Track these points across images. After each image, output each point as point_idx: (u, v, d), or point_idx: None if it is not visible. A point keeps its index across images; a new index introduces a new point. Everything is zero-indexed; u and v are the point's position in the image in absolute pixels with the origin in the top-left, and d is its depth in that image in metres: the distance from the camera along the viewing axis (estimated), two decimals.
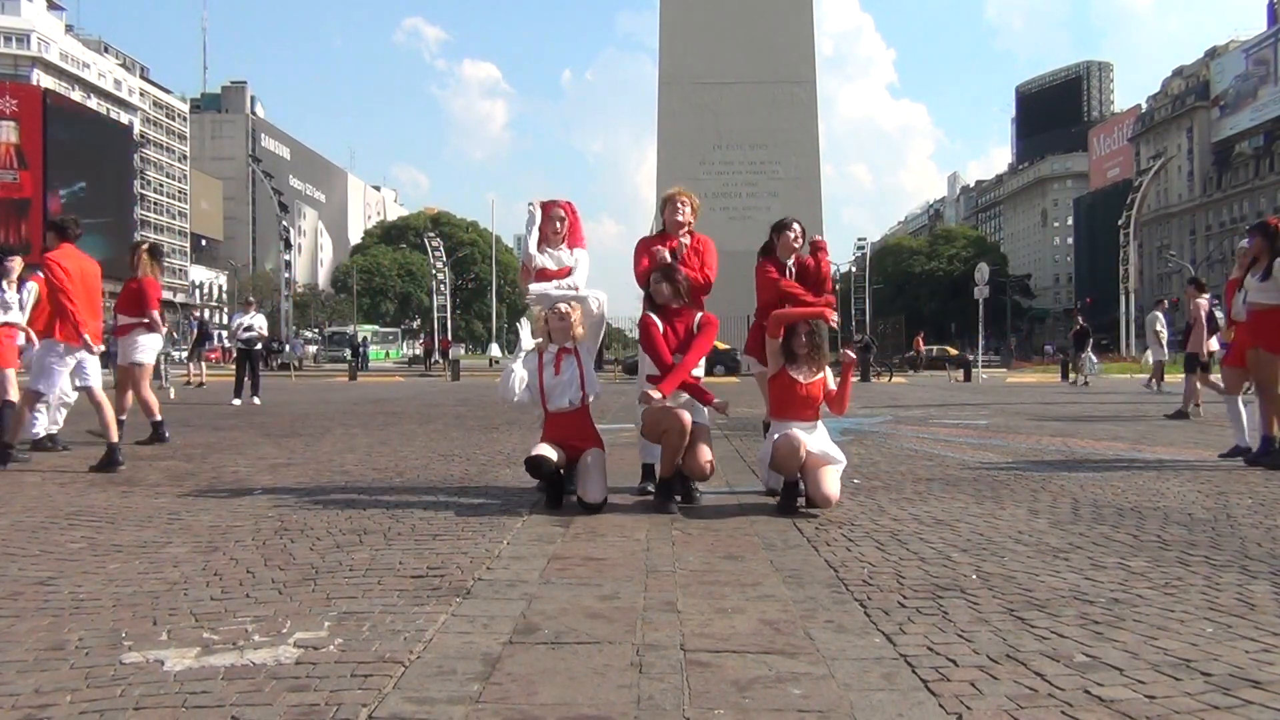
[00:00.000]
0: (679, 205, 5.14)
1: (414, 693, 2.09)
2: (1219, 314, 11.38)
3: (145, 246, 8.28)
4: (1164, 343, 17.50)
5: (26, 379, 7.03)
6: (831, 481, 4.43)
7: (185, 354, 22.21)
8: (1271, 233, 6.52)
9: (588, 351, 4.82)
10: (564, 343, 4.73)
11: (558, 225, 5.14)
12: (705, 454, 4.58)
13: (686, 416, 4.50)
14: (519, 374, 4.70)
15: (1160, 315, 17.28)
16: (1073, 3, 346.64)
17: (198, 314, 25.79)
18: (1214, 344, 11.32)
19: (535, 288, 5.00)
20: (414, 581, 3.11)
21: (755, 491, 5.12)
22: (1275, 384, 6.45)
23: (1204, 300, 11.75)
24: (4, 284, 7.09)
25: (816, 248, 5.41)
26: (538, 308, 4.88)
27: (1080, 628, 2.59)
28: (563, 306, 4.71)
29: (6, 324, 7.04)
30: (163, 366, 21.62)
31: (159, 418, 8.02)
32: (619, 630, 2.57)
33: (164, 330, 8.82)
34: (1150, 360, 18.31)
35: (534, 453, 4.48)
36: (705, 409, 4.76)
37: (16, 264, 7.27)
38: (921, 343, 41.05)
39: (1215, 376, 10.81)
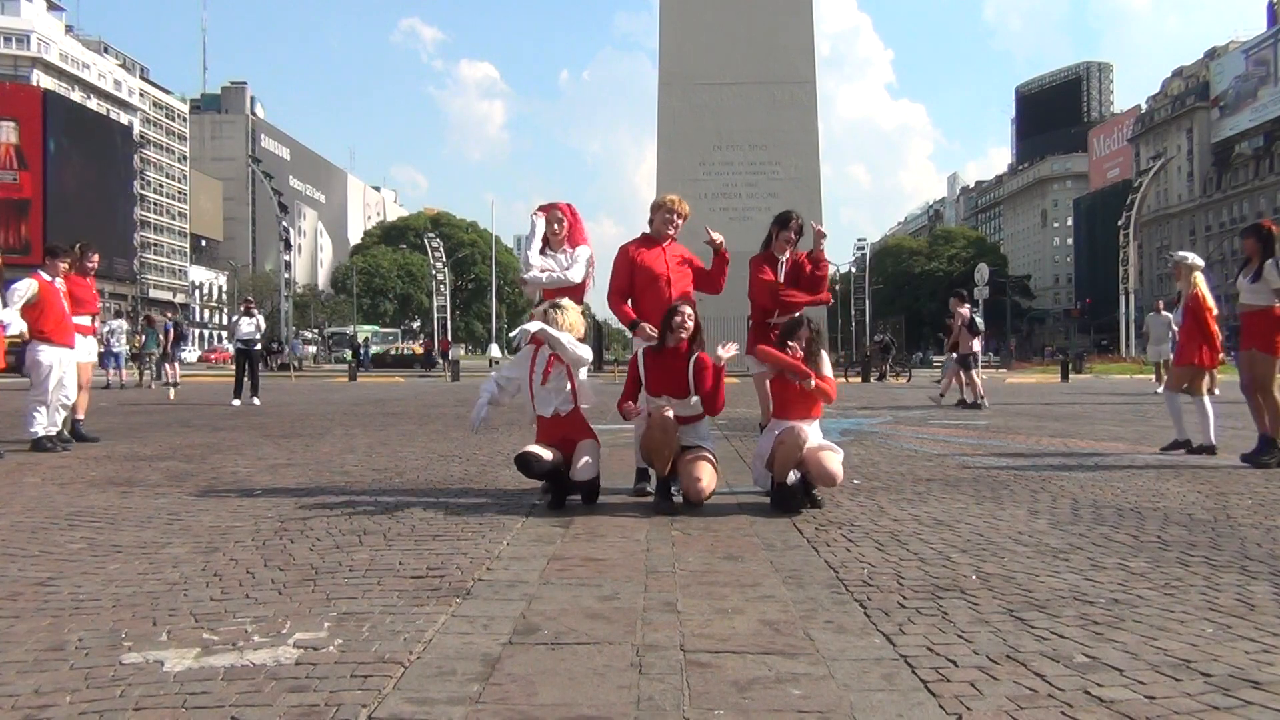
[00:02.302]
0: (673, 218, 5.09)
1: (414, 693, 2.09)
2: (979, 320, 13.99)
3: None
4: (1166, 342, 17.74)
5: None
6: (833, 461, 4.42)
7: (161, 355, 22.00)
8: (1265, 235, 6.56)
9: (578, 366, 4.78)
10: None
11: (556, 228, 5.17)
12: (702, 476, 4.49)
13: (669, 412, 4.48)
14: (482, 399, 4.82)
15: (1172, 316, 17.58)
16: (1071, 3, 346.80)
17: (171, 315, 25.50)
18: (975, 345, 13.89)
19: (531, 277, 5.10)
20: (414, 582, 3.11)
21: (755, 492, 5.11)
22: (1273, 383, 6.51)
23: (965, 310, 13.97)
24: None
25: (816, 260, 5.41)
26: (536, 298, 4.91)
27: (1080, 628, 2.59)
28: (554, 311, 4.71)
29: None
30: (151, 367, 21.62)
31: (79, 417, 8.34)
32: (619, 631, 2.57)
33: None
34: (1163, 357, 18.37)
35: (525, 449, 4.50)
36: (708, 437, 4.76)
37: None
38: (975, 344, 40.61)
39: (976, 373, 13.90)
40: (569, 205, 5.27)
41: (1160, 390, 17.77)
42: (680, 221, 5.14)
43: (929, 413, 12.69)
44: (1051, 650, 2.40)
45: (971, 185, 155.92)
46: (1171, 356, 17.78)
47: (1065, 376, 28.10)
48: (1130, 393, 18.60)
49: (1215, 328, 7.20)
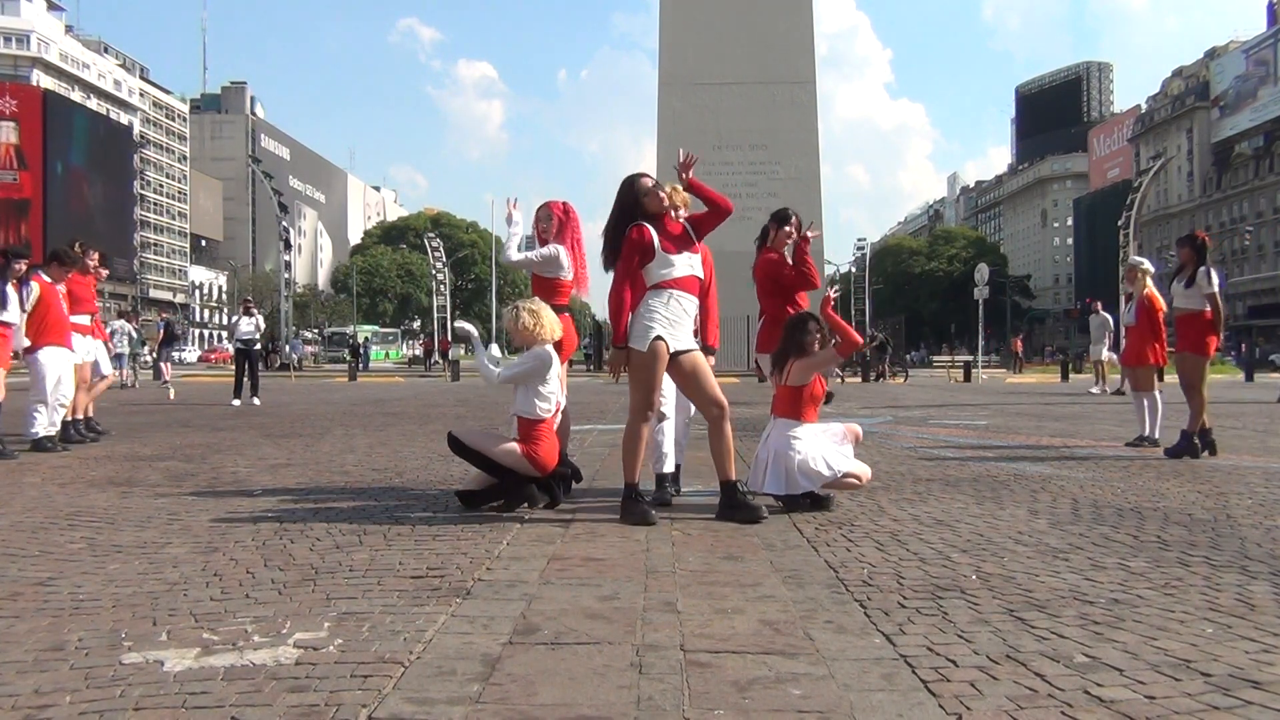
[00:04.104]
0: (659, 195, 4.49)
1: (414, 693, 2.09)
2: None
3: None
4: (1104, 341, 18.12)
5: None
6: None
7: (154, 355, 22.02)
8: (1199, 245, 7.23)
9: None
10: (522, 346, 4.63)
11: (543, 225, 5.15)
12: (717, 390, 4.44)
13: (645, 430, 4.32)
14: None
15: (1109, 316, 17.95)
16: (1069, 3, 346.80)
17: (164, 315, 25.64)
18: None
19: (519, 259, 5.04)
20: (414, 582, 3.11)
21: (754, 493, 5.11)
22: (1202, 383, 7.11)
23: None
24: (8, 287, 7.11)
25: (802, 255, 5.40)
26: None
27: (1080, 628, 2.59)
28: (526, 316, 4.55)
29: (3, 323, 7.07)
30: (164, 366, 21.65)
31: (78, 418, 8.30)
32: (619, 630, 2.57)
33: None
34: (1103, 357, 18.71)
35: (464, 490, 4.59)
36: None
37: (23, 266, 7.36)
38: (1020, 344, 40.55)
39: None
40: (563, 204, 5.21)
41: (1095, 390, 17.96)
42: (669, 199, 4.75)
43: (929, 412, 12.69)
44: (1051, 650, 2.40)
45: (971, 185, 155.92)
46: (1107, 357, 18.24)
47: (1065, 376, 28.11)
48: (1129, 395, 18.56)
49: (1164, 328, 7.98)
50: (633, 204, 4.42)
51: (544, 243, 5.16)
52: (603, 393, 18.08)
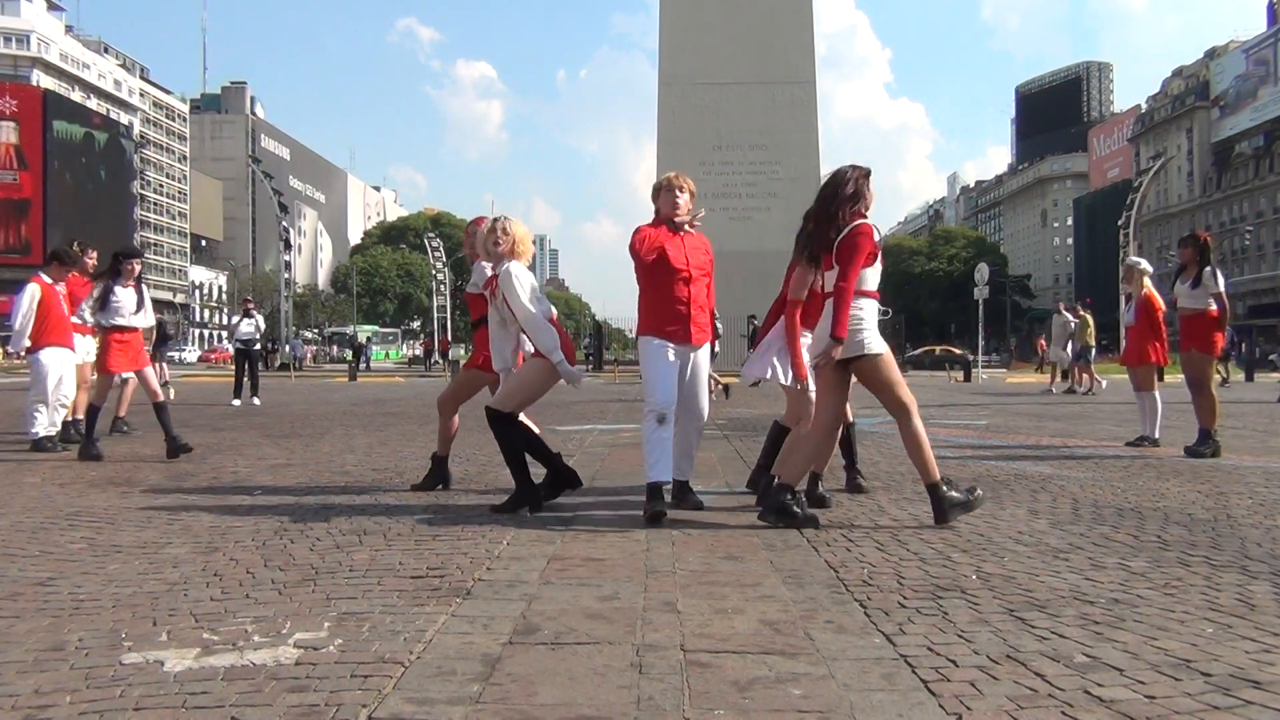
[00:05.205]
0: (676, 193, 4.50)
1: (414, 693, 2.09)
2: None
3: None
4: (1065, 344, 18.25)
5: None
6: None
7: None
8: (1202, 245, 7.37)
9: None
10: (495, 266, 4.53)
11: (473, 242, 5.04)
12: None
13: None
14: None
15: (1070, 316, 18.09)
16: (1069, 2, 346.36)
17: (159, 316, 25.45)
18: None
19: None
20: (414, 582, 3.11)
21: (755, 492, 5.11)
22: (1209, 381, 7.24)
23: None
24: (117, 287, 7.07)
25: None
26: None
27: (1080, 628, 2.59)
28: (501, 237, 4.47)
29: (118, 328, 7.04)
30: (159, 367, 21.67)
31: (75, 418, 8.21)
32: (619, 631, 2.57)
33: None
34: (1063, 360, 18.86)
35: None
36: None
37: (136, 266, 7.33)
38: (1044, 344, 40.42)
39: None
40: (500, 221, 4.67)
41: (1054, 389, 18.11)
42: (688, 199, 4.57)
43: (929, 412, 12.69)
44: (1051, 650, 2.40)
45: (971, 185, 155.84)
46: (1057, 357, 18.39)
47: (1065, 376, 28.08)
48: (1129, 393, 18.56)
49: (1164, 327, 8.00)
50: (850, 197, 4.45)
51: (474, 259, 4.99)
52: (603, 393, 18.07)
